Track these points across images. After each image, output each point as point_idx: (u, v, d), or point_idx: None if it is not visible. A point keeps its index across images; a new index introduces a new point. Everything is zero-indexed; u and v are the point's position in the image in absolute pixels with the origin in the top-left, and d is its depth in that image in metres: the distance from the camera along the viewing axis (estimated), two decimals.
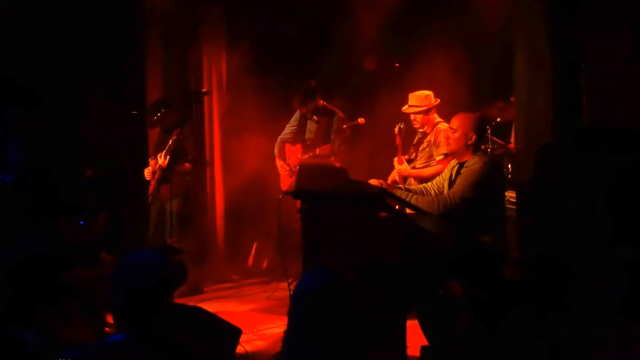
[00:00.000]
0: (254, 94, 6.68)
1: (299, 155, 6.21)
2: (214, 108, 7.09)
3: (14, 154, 5.53)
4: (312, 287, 2.36)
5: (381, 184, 4.52)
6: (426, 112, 5.65)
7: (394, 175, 5.66)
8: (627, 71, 4.55)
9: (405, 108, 5.74)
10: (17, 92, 5.79)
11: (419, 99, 5.65)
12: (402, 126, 5.62)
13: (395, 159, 5.60)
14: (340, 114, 6.18)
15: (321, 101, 6.20)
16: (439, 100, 5.71)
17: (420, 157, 5.63)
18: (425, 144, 5.63)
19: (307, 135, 6.32)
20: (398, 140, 5.61)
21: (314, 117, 6.22)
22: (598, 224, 4.13)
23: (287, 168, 6.26)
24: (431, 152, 5.57)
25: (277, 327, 4.98)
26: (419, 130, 5.76)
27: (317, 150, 6.03)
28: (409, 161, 5.65)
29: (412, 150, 5.73)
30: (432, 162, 5.55)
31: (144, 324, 2.36)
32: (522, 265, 4.61)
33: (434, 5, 6.73)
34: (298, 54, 7.05)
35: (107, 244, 4.86)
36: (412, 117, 5.72)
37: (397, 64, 7.05)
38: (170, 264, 2.51)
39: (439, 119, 5.65)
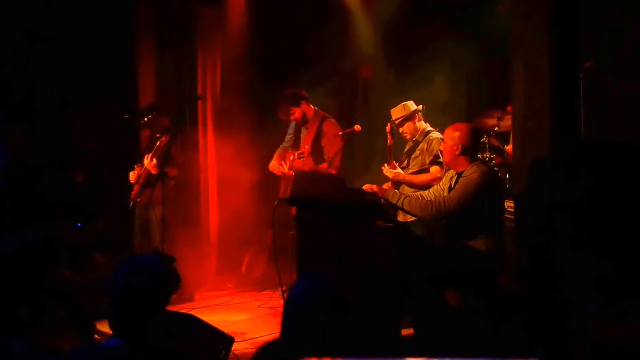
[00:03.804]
0: (249, 100, 6.64)
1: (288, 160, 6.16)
2: (208, 114, 7.05)
3: (1, 158, 5.49)
4: (305, 292, 2.33)
5: (372, 188, 4.49)
6: (409, 118, 5.55)
7: (387, 184, 5.57)
8: (626, 83, 4.55)
9: (388, 126, 5.63)
10: (5, 96, 5.75)
11: (398, 110, 5.58)
12: (394, 125, 5.55)
13: (386, 165, 5.52)
14: (331, 118, 6.13)
15: (311, 107, 6.14)
16: (421, 105, 5.59)
17: (413, 165, 5.52)
18: (417, 152, 5.51)
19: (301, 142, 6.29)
20: (389, 140, 5.53)
21: (306, 124, 6.15)
22: (591, 237, 4.13)
23: (276, 165, 6.18)
24: (423, 160, 5.47)
25: (270, 336, 4.92)
26: (411, 140, 5.69)
27: (296, 153, 5.95)
28: (402, 169, 5.59)
29: (403, 157, 5.66)
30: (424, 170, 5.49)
31: (139, 330, 2.33)
32: (518, 275, 4.59)
33: (431, 12, 6.72)
34: (293, 61, 7.02)
35: (100, 247, 4.82)
36: (400, 130, 5.63)
37: (393, 72, 7.04)
38: (169, 270, 2.48)
39: (430, 128, 5.59)
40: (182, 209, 6.15)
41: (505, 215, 4.89)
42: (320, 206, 4.18)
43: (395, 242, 4.17)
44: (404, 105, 5.58)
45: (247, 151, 6.57)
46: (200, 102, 6.80)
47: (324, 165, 5.94)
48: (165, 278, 2.45)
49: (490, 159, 6.09)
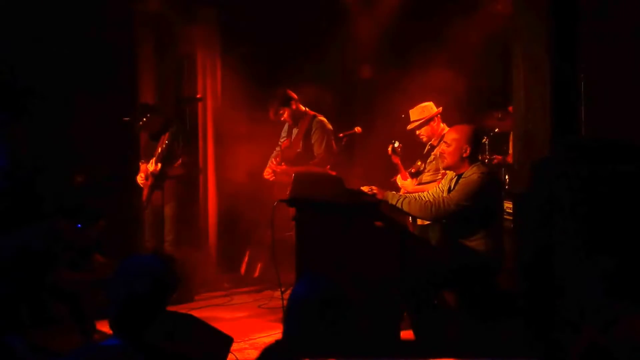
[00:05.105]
0: (249, 100, 6.64)
1: (277, 159, 6.18)
2: (208, 115, 7.04)
3: (1, 159, 5.48)
4: (306, 293, 2.33)
5: (371, 189, 4.48)
6: (427, 122, 5.47)
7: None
8: (626, 83, 4.55)
9: (408, 126, 5.55)
10: (5, 97, 5.74)
11: (418, 112, 5.48)
12: (395, 145, 5.41)
13: (398, 176, 5.48)
14: (321, 116, 6.12)
15: (300, 106, 6.12)
16: (441, 108, 5.52)
17: (428, 170, 5.44)
18: (432, 157, 5.41)
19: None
20: (395, 159, 5.44)
21: (297, 124, 6.15)
22: (591, 236, 4.12)
23: (270, 171, 6.21)
24: (437, 165, 5.28)
25: (269, 336, 4.92)
26: (428, 143, 5.58)
27: (282, 145, 6.03)
28: (418, 173, 5.50)
29: (419, 162, 5.58)
30: (439, 175, 5.38)
31: (139, 330, 2.33)
32: (517, 276, 4.58)
33: (432, 13, 6.72)
34: (293, 62, 7.02)
35: (101, 248, 4.83)
36: (417, 132, 5.53)
37: (393, 73, 7.04)
38: (169, 270, 2.49)
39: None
40: (181, 209, 6.17)
41: (504, 217, 4.88)
42: (320, 207, 4.18)
43: (394, 243, 4.16)
44: (423, 107, 5.47)
45: (247, 152, 6.57)
46: (200, 103, 6.81)
47: (314, 162, 5.94)
48: (165, 278, 2.46)
49: (490, 160, 6.08)
